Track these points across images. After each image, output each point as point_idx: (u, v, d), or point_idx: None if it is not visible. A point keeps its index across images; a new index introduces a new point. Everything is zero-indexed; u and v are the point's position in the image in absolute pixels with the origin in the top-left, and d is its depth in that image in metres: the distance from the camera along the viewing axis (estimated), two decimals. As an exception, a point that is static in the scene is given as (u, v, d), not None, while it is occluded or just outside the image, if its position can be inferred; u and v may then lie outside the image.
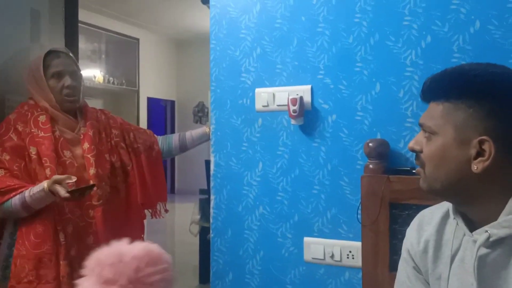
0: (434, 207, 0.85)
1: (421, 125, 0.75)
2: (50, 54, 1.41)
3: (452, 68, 0.73)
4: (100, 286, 0.70)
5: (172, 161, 7.98)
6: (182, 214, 5.54)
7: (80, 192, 1.26)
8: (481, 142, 0.67)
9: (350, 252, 1.29)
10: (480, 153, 0.68)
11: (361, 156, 1.28)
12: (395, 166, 1.23)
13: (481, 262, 0.69)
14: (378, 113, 1.27)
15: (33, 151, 1.31)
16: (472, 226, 0.73)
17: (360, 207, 1.21)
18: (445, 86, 0.71)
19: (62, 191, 1.21)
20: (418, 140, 0.76)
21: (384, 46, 1.26)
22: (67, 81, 1.39)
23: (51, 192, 1.23)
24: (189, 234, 3.35)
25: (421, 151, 0.75)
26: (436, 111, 0.72)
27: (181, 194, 7.69)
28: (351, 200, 1.30)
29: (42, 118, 1.37)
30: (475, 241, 0.70)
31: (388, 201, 1.17)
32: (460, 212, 0.75)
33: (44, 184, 1.24)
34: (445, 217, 0.79)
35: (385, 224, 1.17)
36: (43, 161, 1.30)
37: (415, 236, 0.83)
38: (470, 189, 0.70)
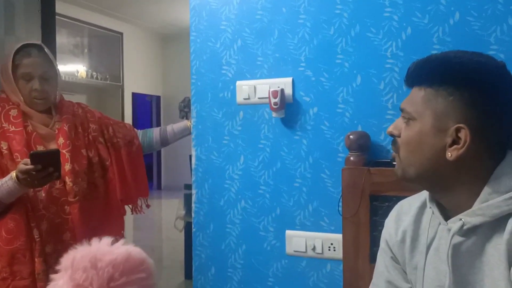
0: (412, 198, 0.85)
1: (401, 110, 0.75)
2: (21, 51, 1.35)
3: (437, 54, 0.73)
4: (72, 287, 0.66)
5: (159, 157, 7.91)
6: (168, 210, 5.50)
7: (43, 162, 1.18)
8: (457, 130, 0.68)
9: (331, 244, 1.29)
10: (455, 141, 0.68)
11: (342, 148, 1.28)
12: (376, 158, 1.22)
13: (455, 250, 0.70)
14: (359, 105, 1.27)
15: (4, 146, 1.27)
16: (447, 215, 0.73)
17: (341, 200, 1.21)
18: (428, 71, 0.71)
19: (23, 166, 1.16)
20: (397, 125, 0.76)
21: (365, 38, 1.25)
22: (35, 84, 1.34)
23: (17, 177, 1.19)
24: (175, 230, 3.32)
25: (399, 136, 0.75)
26: (417, 96, 0.72)
27: (168, 190, 7.64)
28: (332, 192, 1.29)
29: (14, 112, 1.33)
30: (449, 230, 0.70)
31: (369, 193, 1.17)
32: (435, 200, 0.75)
33: (13, 172, 1.21)
34: (422, 207, 0.80)
35: (366, 216, 1.17)
36: (15, 157, 1.27)
37: (393, 226, 0.83)
38: (444, 177, 0.70)
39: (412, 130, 0.72)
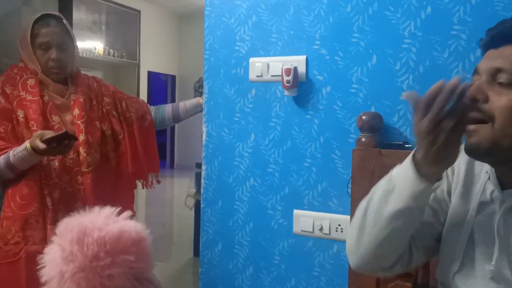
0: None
1: (499, 70, 0.64)
2: (40, 21, 1.37)
3: None
4: (60, 257, 0.63)
5: (172, 136, 7.97)
6: (180, 189, 5.57)
7: (56, 142, 1.19)
8: None
9: (339, 225, 1.29)
10: None
11: (354, 129, 1.26)
12: (388, 140, 1.21)
13: (506, 220, 0.68)
14: (373, 86, 1.24)
15: (20, 114, 1.30)
16: (502, 184, 0.70)
17: (350, 181, 1.20)
18: None
19: (40, 144, 1.18)
20: (481, 88, 0.65)
21: (382, 17, 1.22)
22: (53, 53, 1.36)
23: (33, 149, 1.21)
24: (186, 208, 3.37)
25: (486, 101, 0.65)
26: None
27: (180, 169, 7.73)
28: (342, 173, 1.28)
29: (31, 82, 1.35)
30: (503, 201, 0.68)
31: (379, 175, 1.15)
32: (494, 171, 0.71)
33: (27, 142, 1.23)
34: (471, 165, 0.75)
35: (375, 198, 1.15)
36: (30, 125, 1.29)
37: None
38: None
39: None
